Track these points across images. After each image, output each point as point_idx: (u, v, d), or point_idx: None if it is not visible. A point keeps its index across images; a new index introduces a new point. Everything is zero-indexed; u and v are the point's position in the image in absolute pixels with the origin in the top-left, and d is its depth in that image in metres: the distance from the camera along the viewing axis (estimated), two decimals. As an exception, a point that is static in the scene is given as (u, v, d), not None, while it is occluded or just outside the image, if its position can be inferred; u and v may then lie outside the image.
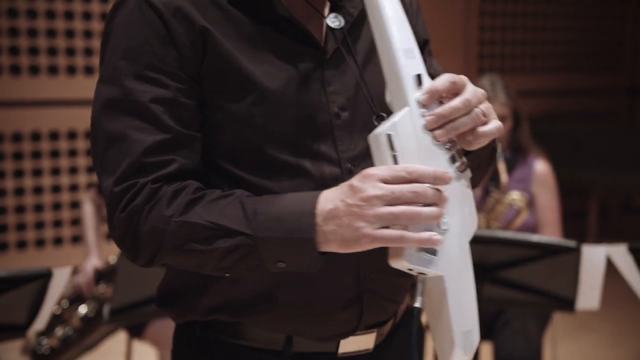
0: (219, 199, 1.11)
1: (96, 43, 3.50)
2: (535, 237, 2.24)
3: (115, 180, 1.12)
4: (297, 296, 1.18)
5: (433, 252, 1.02)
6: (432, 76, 1.29)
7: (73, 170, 3.56)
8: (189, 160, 1.15)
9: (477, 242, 2.16)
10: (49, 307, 1.91)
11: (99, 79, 1.17)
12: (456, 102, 1.06)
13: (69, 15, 3.45)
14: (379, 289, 1.20)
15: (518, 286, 2.18)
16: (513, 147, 3.06)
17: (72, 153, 3.54)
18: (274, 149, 1.18)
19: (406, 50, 1.09)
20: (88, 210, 2.91)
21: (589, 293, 2.08)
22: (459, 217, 1.07)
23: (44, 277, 1.88)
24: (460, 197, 1.07)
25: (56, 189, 3.54)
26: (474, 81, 3.34)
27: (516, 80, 4.74)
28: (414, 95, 1.06)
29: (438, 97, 1.06)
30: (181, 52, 1.13)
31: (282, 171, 1.17)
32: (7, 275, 1.83)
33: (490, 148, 1.24)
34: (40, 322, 1.94)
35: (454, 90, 1.07)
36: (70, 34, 3.46)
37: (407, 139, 1.03)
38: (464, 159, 1.08)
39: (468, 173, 1.09)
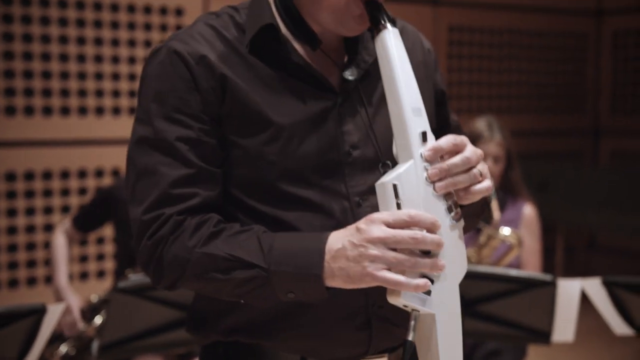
0: (239, 233, 1.24)
1: (90, 84, 3.57)
2: (513, 272, 2.32)
3: (144, 209, 1.25)
4: (310, 319, 1.27)
5: (427, 292, 1.13)
6: (445, 128, 1.41)
7: (65, 209, 3.58)
8: (210, 194, 1.28)
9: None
10: (41, 343, 1.92)
11: (134, 119, 1.33)
12: (457, 159, 1.18)
13: (63, 58, 3.52)
14: (386, 315, 1.28)
15: (495, 319, 2.25)
16: (504, 188, 3.13)
17: (82, 191, 3.56)
18: (286, 183, 1.29)
19: (414, 108, 1.20)
20: (61, 242, 2.82)
21: (564, 326, 2.16)
22: (452, 262, 1.17)
23: (38, 313, 1.88)
24: (453, 243, 1.18)
25: (48, 227, 3.56)
26: (470, 121, 3.40)
27: (483, 121, 4.88)
28: (419, 150, 1.17)
29: (441, 155, 1.17)
30: (203, 96, 1.26)
31: (294, 204, 1.29)
32: (1, 311, 1.83)
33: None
34: (32, 359, 1.94)
35: (456, 150, 1.18)
36: (64, 75, 3.51)
37: (410, 189, 1.15)
38: (459, 210, 1.20)
39: (462, 222, 1.21)
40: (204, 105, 1.27)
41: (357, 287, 1.15)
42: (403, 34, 1.43)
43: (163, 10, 3.73)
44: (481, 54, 4.97)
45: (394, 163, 1.20)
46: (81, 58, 3.55)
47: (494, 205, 2.91)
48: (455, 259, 1.18)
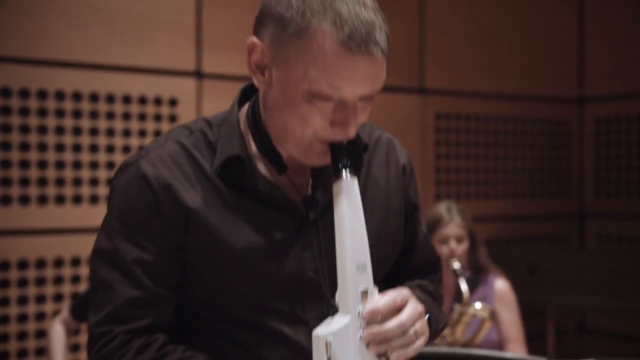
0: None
1: (85, 173, 3.61)
2: (507, 354, 2.34)
3: (97, 322, 1.30)
4: None
5: None
6: (413, 242, 1.45)
7: (58, 298, 3.58)
8: (160, 316, 1.31)
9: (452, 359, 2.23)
10: None
11: (102, 224, 1.36)
12: (393, 323, 1.20)
13: (59, 148, 3.59)
14: None
15: (490, 405, 2.26)
16: (473, 268, 3.20)
17: (76, 279, 3.57)
18: (246, 308, 1.32)
19: (359, 264, 1.20)
20: (58, 331, 2.86)
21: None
22: None
23: None
24: None
25: (40, 316, 3.55)
26: (432, 207, 3.49)
27: (471, 206, 4.95)
28: (358, 307, 1.18)
29: (378, 316, 1.19)
30: (165, 223, 1.29)
31: (254, 329, 1.32)
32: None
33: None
34: None
35: (395, 309, 1.21)
36: (60, 165, 3.57)
37: (344, 346, 1.15)
38: None
39: None
40: (165, 231, 1.29)
41: None
42: (378, 146, 1.48)
43: (157, 101, 3.83)
44: (468, 141, 5.07)
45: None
46: (77, 148, 3.62)
47: (463, 285, 2.96)
48: None
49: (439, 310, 1.51)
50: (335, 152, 1.26)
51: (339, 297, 1.20)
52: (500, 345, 3.10)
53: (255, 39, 1.27)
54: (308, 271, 1.33)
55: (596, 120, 5.47)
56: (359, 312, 1.18)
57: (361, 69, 1.21)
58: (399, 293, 1.22)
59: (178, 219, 1.29)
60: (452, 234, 3.16)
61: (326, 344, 1.14)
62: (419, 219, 1.55)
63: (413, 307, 1.23)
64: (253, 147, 1.35)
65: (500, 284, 3.19)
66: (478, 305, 2.94)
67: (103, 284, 1.30)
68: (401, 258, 1.52)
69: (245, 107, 1.40)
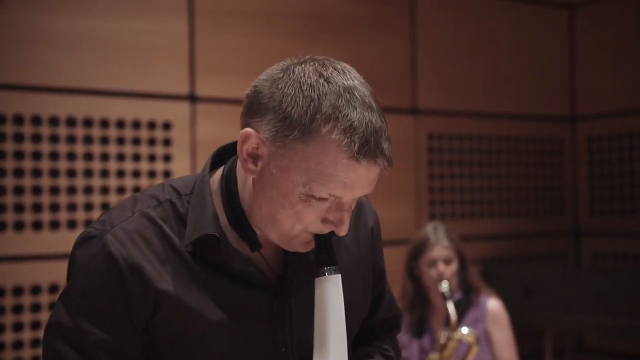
0: None
1: (80, 198, 3.60)
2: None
3: None
4: None
5: None
6: (379, 304, 1.46)
7: None
8: None
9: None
10: None
11: (63, 291, 1.29)
12: None
13: (54, 173, 3.57)
14: None
15: None
16: (463, 289, 3.19)
17: (53, 307, 3.53)
18: None
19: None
20: None
21: None
22: None
23: None
24: None
25: (36, 343, 3.51)
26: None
27: (465, 225, 4.94)
28: None
29: None
30: (131, 305, 1.23)
31: None
32: None
33: None
34: None
35: None
36: (55, 190, 3.56)
37: None
38: None
39: None
40: (132, 315, 1.23)
41: None
42: (358, 211, 1.46)
43: (151, 125, 3.82)
44: (461, 160, 5.07)
45: None
46: (71, 173, 3.60)
47: (451, 309, 2.95)
48: None
49: None
50: (322, 244, 1.24)
51: None
52: (494, 367, 3.08)
53: (251, 131, 1.21)
54: (282, 347, 1.30)
55: (588, 138, 5.49)
56: None
57: (364, 176, 1.19)
58: None
59: (146, 302, 1.22)
60: (439, 256, 3.14)
61: None
62: (385, 281, 1.54)
63: None
64: (225, 219, 1.30)
65: (492, 304, 3.17)
66: (465, 329, 2.93)
67: None
68: (366, 317, 1.51)
69: (218, 172, 1.34)
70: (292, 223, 1.22)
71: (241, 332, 1.27)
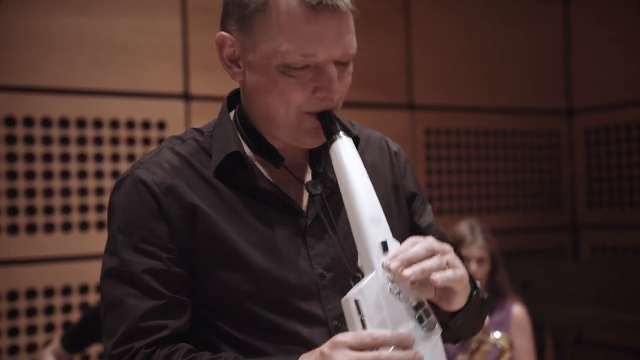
0: None
1: (91, 200, 3.56)
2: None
3: (113, 343, 1.22)
4: None
5: None
6: (422, 228, 1.39)
7: (49, 328, 3.53)
8: (180, 324, 1.24)
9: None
10: None
11: (104, 250, 1.26)
12: (418, 247, 1.13)
13: (47, 175, 3.54)
14: None
15: None
16: (491, 291, 3.13)
17: (66, 309, 3.51)
18: (261, 311, 1.26)
19: (372, 218, 1.16)
20: None
21: None
22: None
23: None
24: (430, 352, 1.12)
25: (32, 348, 3.52)
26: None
27: (463, 220, 4.92)
28: (380, 260, 1.13)
29: (407, 264, 1.13)
30: (171, 226, 1.25)
31: (271, 331, 1.25)
32: None
33: (479, 303, 1.32)
34: None
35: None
36: (66, 192, 3.55)
37: (374, 302, 1.09)
38: (432, 318, 1.14)
39: (437, 330, 1.15)
40: (172, 235, 1.25)
41: None
42: (369, 143, 1.45)
43: (146, 124, 3.79)
44: (458, 155, 5.05)
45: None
46: (65, 174, 3.57)
47: None
48: None
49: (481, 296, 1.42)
50: (325, 119, 1.24)
51: (360, 258, 1.16)
52: (512, 372, 3.04)
53: (222, 33, 1.27)
54: (318, 269, 1.29)
55: (585, 131, 5.47)
56: (382, 264, 1.13)
57: (330, 28, 1.19)
58: (420, 238, 1.16)
59: (184, 218, 1.24)
60: (473, 256, 3.07)
61: (356, 303, 1.09)
62: (422, 207, 1.50)
63: (439, 242, 1.17)
64: (247, 149, 1.32)
65: (517, 311, 3.12)
66: (497, 334, 2.89)
67: (114, 305, 1.23)
68: None
69: (232, 113, 1.38)
70: (284, 106, 1.23)
71: (277, 256, 1.27)
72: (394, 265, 1.11)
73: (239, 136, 1.34)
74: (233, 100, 1.41)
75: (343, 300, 1.12)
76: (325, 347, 1.08)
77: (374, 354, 1.04)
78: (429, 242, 1.15)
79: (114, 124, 3.71)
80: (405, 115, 4.81)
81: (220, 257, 1.26)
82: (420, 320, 1.13)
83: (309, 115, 1.25)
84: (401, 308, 1.12)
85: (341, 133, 1.22)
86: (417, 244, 1.14)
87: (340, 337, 1.07)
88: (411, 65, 4.84)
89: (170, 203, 1.25)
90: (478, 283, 1.39)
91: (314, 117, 1.25)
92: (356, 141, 1.36)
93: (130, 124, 3.75)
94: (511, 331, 3.08)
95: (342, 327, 1.25)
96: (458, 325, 1.30)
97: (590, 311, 4.64)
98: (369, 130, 1.49)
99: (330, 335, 1.23)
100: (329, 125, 1.23)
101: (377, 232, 1.16)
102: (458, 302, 1.23)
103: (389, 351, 1.05)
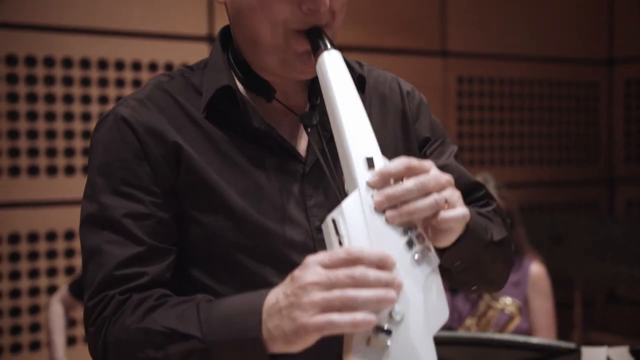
0: (179, 304, 1.07)
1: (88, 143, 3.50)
2: (534, 340, 2.21)
3: (90, 295, 1.12)
4: None
5: (384, 344, 0.91)
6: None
7: (69, 271, 3.50)
8: (160, 273, 1.14)
9: (474, 345, 2.12)
10: None
11: (83, 196, 1.19)
12: (409, 183, 0.99)
13: (68, 117, 3.47)
14: None
15: (516, 391, 2.13)
16: None
17: (69, 253, 3.47)
18: (250, 263, 1.16)
19: (359, 132, 1.04)
20: (57, 311, 2.71)
21: (590, 397, 2.04)
22: (419, 307, 0.96)
23: None
24: (420, 285, 0.96)
25: (52, 290, 3.46)
26: None
27: (495, 173, 4.78)
28: (365, 178, 0.99)
29: (389, 180, 0.99)
30: (155, 167, 1.15)
31: (259, 286, 1.09)
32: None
33: (483, 244, 1.18)
34: None
35: (411, 174, 1.00)
36: (69, 134, 3.46)
37: (355, 222, 0.96)
38: (426, 244, 0.99)
39: (432, 260, 0.99)
40: (155, 177, 1.15)
41: (299, 348, 0.94)
42: (377, 84, 1.33)
43: (169, 67, 3.69)
44: (492, 105, 4.91)
45: None
46: (86, 117, 3.50)
47: None
48: (425, 304, 0.96)
49: (495, 225, 1.27)
50: (313, 35, 1.13)
51: (345, 178, 1.03)
52: (529, 334, 2.93)
53: None
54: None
55: (626, 82, 5.28)
56: (366, 183, 0.99)
57: None
58: (415, 160, 1.02)
59: (167, 159, 1.15)
60: None
61: (334, 223, 0.97)
62: (440, 150, 1.35)
63: (436, 173, 1.02)
64: (241, 87, 1.23)
65: (535, 269, 2.99)
66: (508, 300, 2.78)
67: (92, 253, 1.14)
68: None
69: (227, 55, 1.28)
70: (269, 25, 1.15)
71: (270, 205, 1.17)
72: (377, 198, 0.98)
73: (232, 72, 1.23)
74: (226, 37, 1.30)
75: (323, 224, 1.00)
76: (296, 270, 0.96)
77: (347, 271, 0.92)
78: (424, 177, 1.00)
79: (136, 66, 3.62)
80: (438, 62, 4.67)
81: (207, 204, 1.16)
82: (410, 244, 0.98)
83: (298, 35, 1.14)
84: (387, 231, 0.97)
85: (329, 46, 1.11)
86: (411, 180, 0.99)
87: (313, 257, 0.95)
88: (445, 9, 4.67)
89: (153, 143, 1.16)
90: (488, 226, 1.24)
91: (303, 37, 1.14)
92: (361, 81, 1.24)
93: (153, 66, 3.66)
94: (528, 291, 2.97)
95: None
96: (457, 267, 1.16)
97: (623, 268, 4.53)
98: (380, 71, 1.37)
99: None
100: (316, 40, 1.12)
101: (362, 146, 1.02)
102: (450, 240, 1.08)
103: (364, 268, 0.92)
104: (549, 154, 5.18)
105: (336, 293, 0.91)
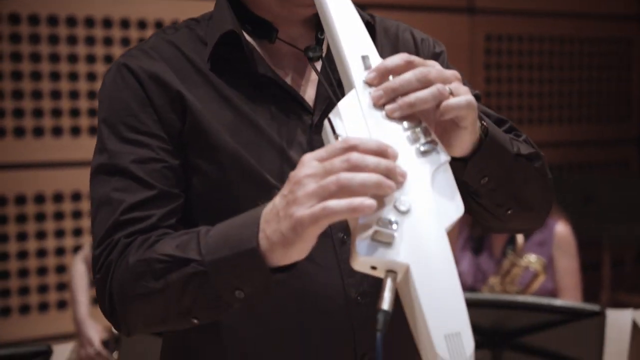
0: (181, 235, 1.05)
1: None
2: (557, 302, 2.19)
3: (97, 242, 1.10)
4: None
5: (390, 237, 0.84)
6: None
7: (77, 232, 3.51)
8: (167, 215, 1.12)
9: (496, 307, 2.10)
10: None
11: (94, 151, 1.17)
12: (408, 74, 0.93)
13: (73, 77, 3.45)
14: None
15: (540, 352, 2.11)
16: None
17: (77, 215, 3.48)
18: None
19: (353, 32, 1.00)
20: (80, 270, 2.72)
21: (615, 359, 2.02)
22: (428, 200, 0.89)
23: (43, 356, 1.75)
24: (428, 178, 0.90)
25: (60, 251, 3.47)
26: None
27: (523, 132, 4.72)
28: (362, 76, 0.95)
29: (388, 77, 0.94)
30: (160, 114, 1.14)
31: None
32: (4, 354, 1.74)
33: (514, 158, 1.11)
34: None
35: (409, 67, 0.95)
36: (74, 95, 3.44)
37: (353, 120, 0.92)
38: (432, 138, 0.92)
39: (441, 153, 0.93)
40: (162, 123, 1.14)
41: (300, 250, 0.90)
42: (388, 33, 1.27)
43: (141, 24, 3.63)
44: (520, 63, 4.83)
45: None
46: (91, 77, 3.48)
47: None
48: (432, 197, 0.89)
49: (523, 144, 1.20)
50: None
51: (343, 82, 0.99)
52: (554, 294, 2.91)
53: None
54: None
55: (659, 37, 5.15)
56: (363, 81, 0.95)
57: None
58: (416, 56, 0.96)
59: (174, 106, 1.13)
60: None
61: (330, 123, 0.92)
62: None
63: (440, 68, 0.96)
64: (246, 35, 1.19)
65: (560, 228, 2.96)
66: (532, 257, 2.75)
67: (102, 202, 1.12)
68: None
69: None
70: None
71: (278, 158, 1.14)
72: (375, 93, 0.93)
73: (236, 18, 1.20)
74: None
75: (322, 132, 0.95)
76: (293, 171, 0.91)
77: (343, 156, 0.86)
78: (427, 69, 0.94)
79: (142, 24, 3.58)
80: (465, 20, 4.59)
81: (211, 153, 1.14)
82: (414, 138, 0.92)
83: None
84: (389, 124, 0.92)
85: None
86: (410, 72, 0.93)
87: (309, 154, 0.90)
88: (472, -37, 4.59)
89: (157, 90, 1.14)
90: (514, 142, 1.16)
91: None
92: (370, 28, 1.16)
93: (159, 24, 3.61)
94: (553, 250, 2.93)
95: (347, 239, 1.11)
96: (485, 185, 1.08)
97: (653, 228, 4.49)
98: (393, 21, 1.32)
99: (334, 249, 1.12)
100: None
101: (357, 45, 0.98)
102: (464, 141, 1.00)
103: (361, 155, 0.86)
104: (579, 112, 5.10)
105: (331, 178, 0.85)
